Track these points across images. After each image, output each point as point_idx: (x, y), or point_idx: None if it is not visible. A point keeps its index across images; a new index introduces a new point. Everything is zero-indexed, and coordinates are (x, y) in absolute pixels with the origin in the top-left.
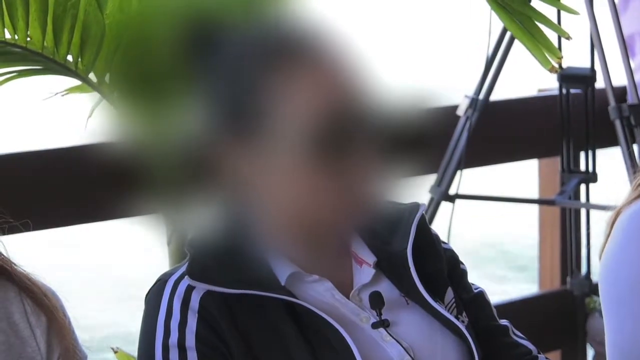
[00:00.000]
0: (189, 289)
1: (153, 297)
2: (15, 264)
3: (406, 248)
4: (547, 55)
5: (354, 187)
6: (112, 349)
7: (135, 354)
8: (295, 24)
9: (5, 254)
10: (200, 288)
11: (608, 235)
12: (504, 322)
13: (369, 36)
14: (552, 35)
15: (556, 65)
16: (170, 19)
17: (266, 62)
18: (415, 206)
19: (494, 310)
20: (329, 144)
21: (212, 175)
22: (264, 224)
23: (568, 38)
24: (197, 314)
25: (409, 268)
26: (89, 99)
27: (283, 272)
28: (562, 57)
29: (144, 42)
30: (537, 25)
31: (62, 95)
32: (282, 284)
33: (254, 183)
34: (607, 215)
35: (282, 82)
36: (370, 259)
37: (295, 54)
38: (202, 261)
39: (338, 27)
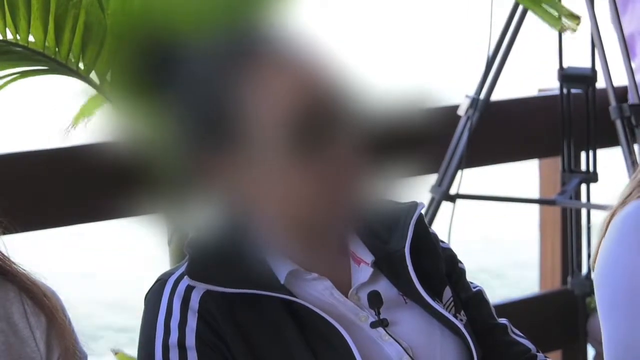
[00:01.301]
0: (189, 289)
1: (153, 297)
2: (15, 264)
3: (404, 247)
4: (555, 15)
5: (337, 184)
6: (112, 350)
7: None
8: (259, 26)
9: (5, 254)
10: (200, 288)
11: (602, 238)
12: (502, 320)
13: (346, 33)
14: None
15: (570, 24)
16: (173, 17)
17: (232, 69)
18: (414, 205)
19: (493, 309)
20: (305, 142)
21: (203, 183)
22: (262, 224)
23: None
24: (197, 314)
25: (407, 267)
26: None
27: (282, 270)
28: (578, 17)
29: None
30: None
31: (74, 128)
32: (282, 282)
33: (242, 188)
34: (603, 216)
35: (250, 86)
36: (369, 258)
37: (260, 56)
38: (201, 261)
39: (305, 26)
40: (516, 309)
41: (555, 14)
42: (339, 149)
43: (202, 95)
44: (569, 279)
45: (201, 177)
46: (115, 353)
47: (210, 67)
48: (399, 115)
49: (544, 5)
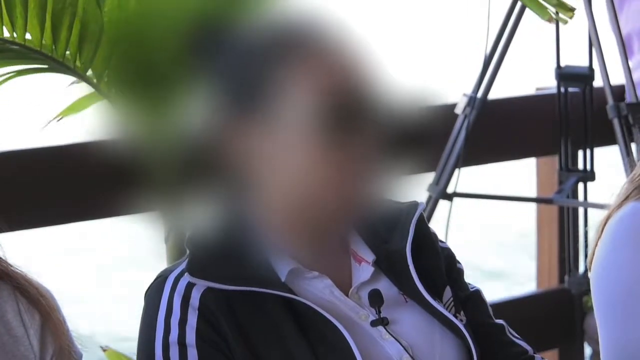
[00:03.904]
0: (190, 286)
1: (153, 294)
2: (10, 264)
3: (405, 246)
4: (544, 5)
5: (351, 176)
6: (102, 347)
7: (125, 351)
8: (302, 13)
9: (1, 255)
10: (201, 285)
11: (598, 240)
12: (499, 321)
13: (372, 28)
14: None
15: (553, 15)
16: (169, 16)
17: (275, 49)
18: (414, 205)
19: (490, 309)
20: (333, 126)
21: (218, 159)
22: (265, 219)
23: None
24: (197, 311)
25: (408, 266)
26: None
27: (283, 268)
28: (572, 9)
29: (143, 39)
30: None
31: (58, 121)
32: (283, 280)
33: (260, 165)
34: (602, 216)
35: (289, 66)
36: (369, 257)
37: (301, 41)
38: (202, 258)
39: (343, 16)
40: (513, 307)
41: (545, 3)
42: (360, 141)
43: (246, 64)
44: (566, 277)
45: (219, 150)
46: (104, 350)
47: (257, 42)
48: (401, 111)
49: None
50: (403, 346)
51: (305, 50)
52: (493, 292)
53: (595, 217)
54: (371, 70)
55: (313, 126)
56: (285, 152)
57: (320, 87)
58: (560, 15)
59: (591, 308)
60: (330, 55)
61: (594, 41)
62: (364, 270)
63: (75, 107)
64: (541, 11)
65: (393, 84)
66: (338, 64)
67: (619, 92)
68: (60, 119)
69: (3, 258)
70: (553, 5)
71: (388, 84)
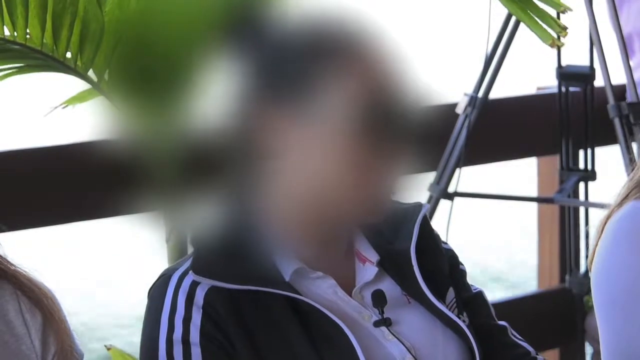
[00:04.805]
0: (194, 284)
1: (157, 292)
2: (12, 264)
3: (410, 247)
4: (547, 29)
5: (381, 177)
6: (106, 346)
7: (128, 350)
8: (348, 12)
9: (1, 253)
10: (205, 283)
11: (598, 239)
12: (502, 322)
13: (403, 33)
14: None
15: (555, 36)
16: (170, 15)
17: (321, 45)
18: (419, 206)
19: (492, 310)
20: (367, 128)
21: (232, 153)
22: (273, 218)
23: (564, 11)
24: (201, 310)
25: (412, 267)
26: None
27: (287, 268)
28: (566, 28)
29: (144, 38)
30: (533, 1)
31: (63, 108)
32: (287, 280)
33: (283, 160)
34: (602, 216)
35: (334, 62)
36: (374, 257)
37: (348, 40)
38: (206, 256)
39: (382, 22)
40: (514, 307)
41: (548, 29)
42: (389, 146)
43: (282, 57)
44: (567, 277)
45: (245, 139)
46: (109, 349)
47: (294, 38)
48: (422, 114)
49: (537, 20)
50: (406, 347)
51: (351, 50)
52: (493, 293)
53: (596, 216)
54: (407, 76)
55: (348, 126)
56: (314, 149)
57: (362, 87)
58: (560, 37)
59: (592, 308)
60: (374, 57)
61: (594, 40)
62: (367, 271)
63: (80, 98)
64: (544, 35)
65: (421, 88)
66: (381, 67)
67: (619, 91)
68: (65, 107)
69: (4, 257)
70: (556, 31)
71: (418, 89)
